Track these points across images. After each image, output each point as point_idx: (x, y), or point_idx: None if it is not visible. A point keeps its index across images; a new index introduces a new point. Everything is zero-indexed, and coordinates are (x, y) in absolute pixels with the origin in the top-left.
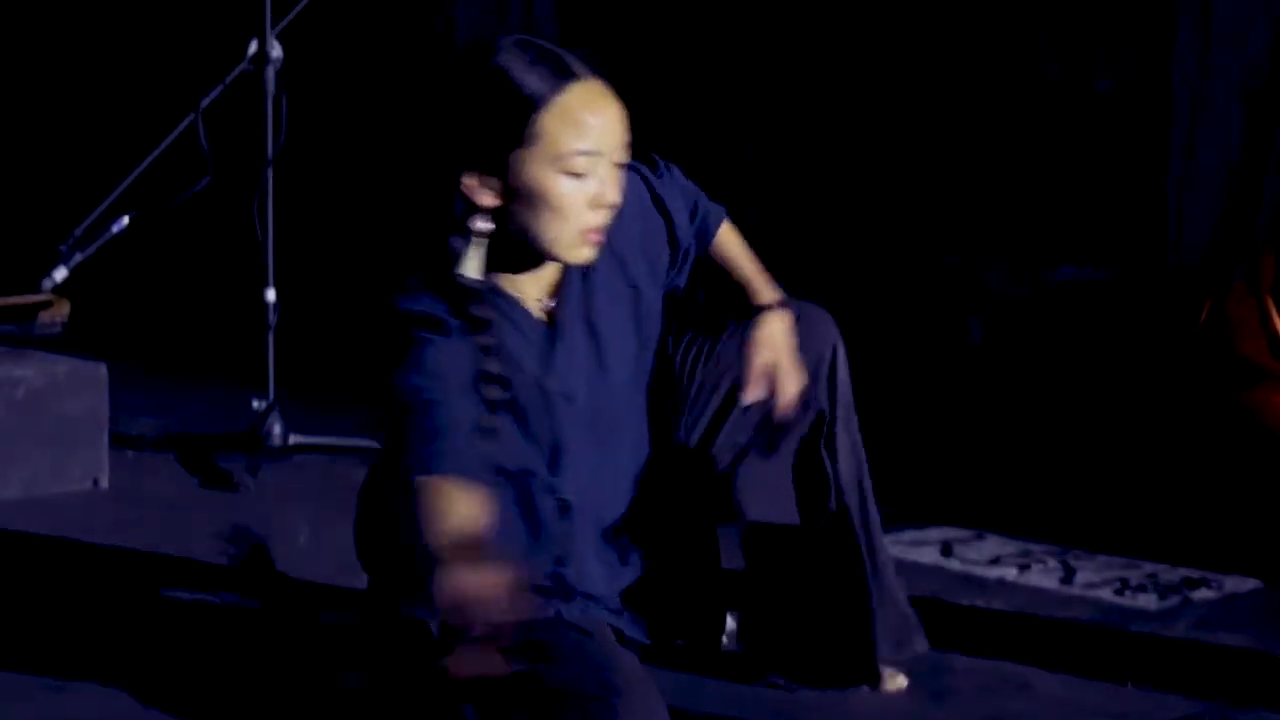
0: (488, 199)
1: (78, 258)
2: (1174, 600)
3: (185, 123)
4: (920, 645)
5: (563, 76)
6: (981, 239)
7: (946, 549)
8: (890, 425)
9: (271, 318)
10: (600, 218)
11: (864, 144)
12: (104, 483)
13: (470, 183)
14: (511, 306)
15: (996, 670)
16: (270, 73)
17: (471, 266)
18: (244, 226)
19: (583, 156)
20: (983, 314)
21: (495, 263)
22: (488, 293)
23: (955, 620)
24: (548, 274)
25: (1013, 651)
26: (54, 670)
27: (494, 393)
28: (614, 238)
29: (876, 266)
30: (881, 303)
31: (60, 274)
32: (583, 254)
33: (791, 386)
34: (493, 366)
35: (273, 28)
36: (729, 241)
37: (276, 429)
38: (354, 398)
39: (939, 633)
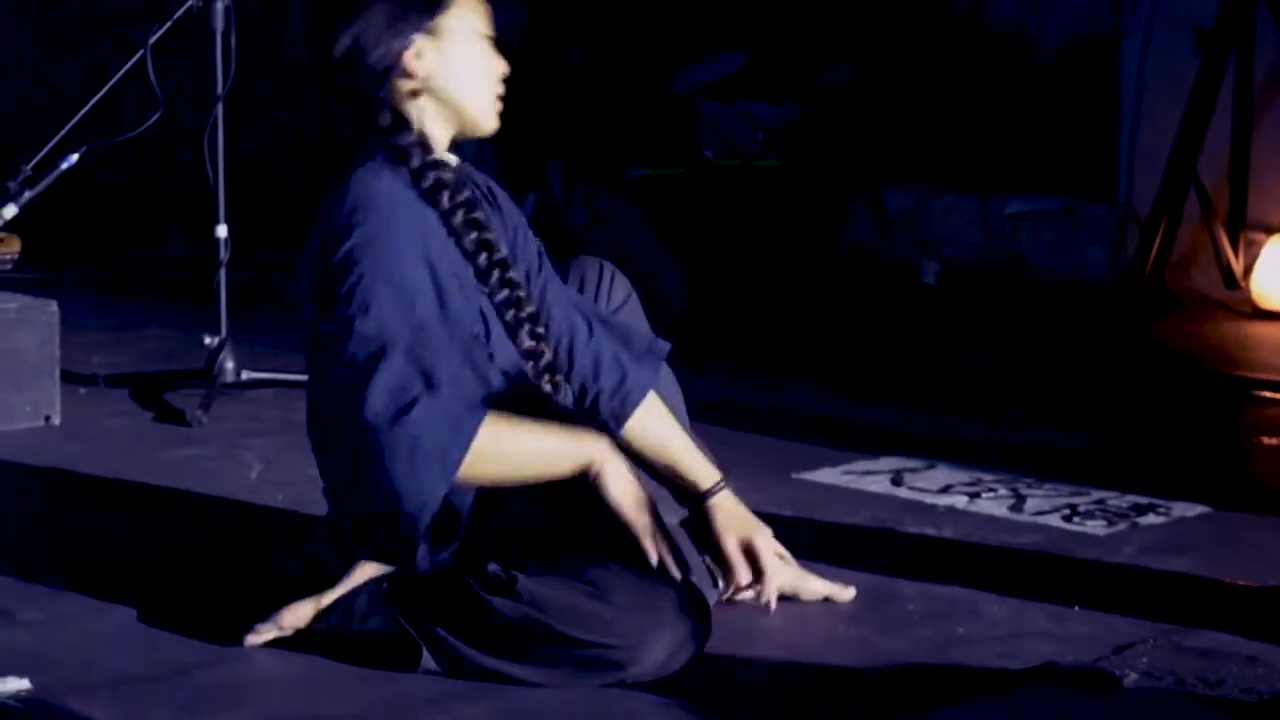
0: (423, 66)
1: (27, 195)
2: (1122, 526)
3: (134, 58)
4: None
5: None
6: (932, 173)
7: (898, 478)
8: (847, 358)
9: (223, 254)
10: (500, 89)
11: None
12: (56, 419)
13: (411, 54)
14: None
15: (945, 595)
16: (219, 8)
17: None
18: (195, 163)
19: (482, 28)
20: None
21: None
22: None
23: (904, 547)
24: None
25: (961, 577)
26: (3, 601)
27: (485, 236)
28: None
29: (829, 204)
30: (835, 240)
31: (9, 211)
32: (494, 121)
33: (772, 560)
34: (476, 215)
35: None
36: (655, 419)
37: (229, 365)
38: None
39: (888, 559)
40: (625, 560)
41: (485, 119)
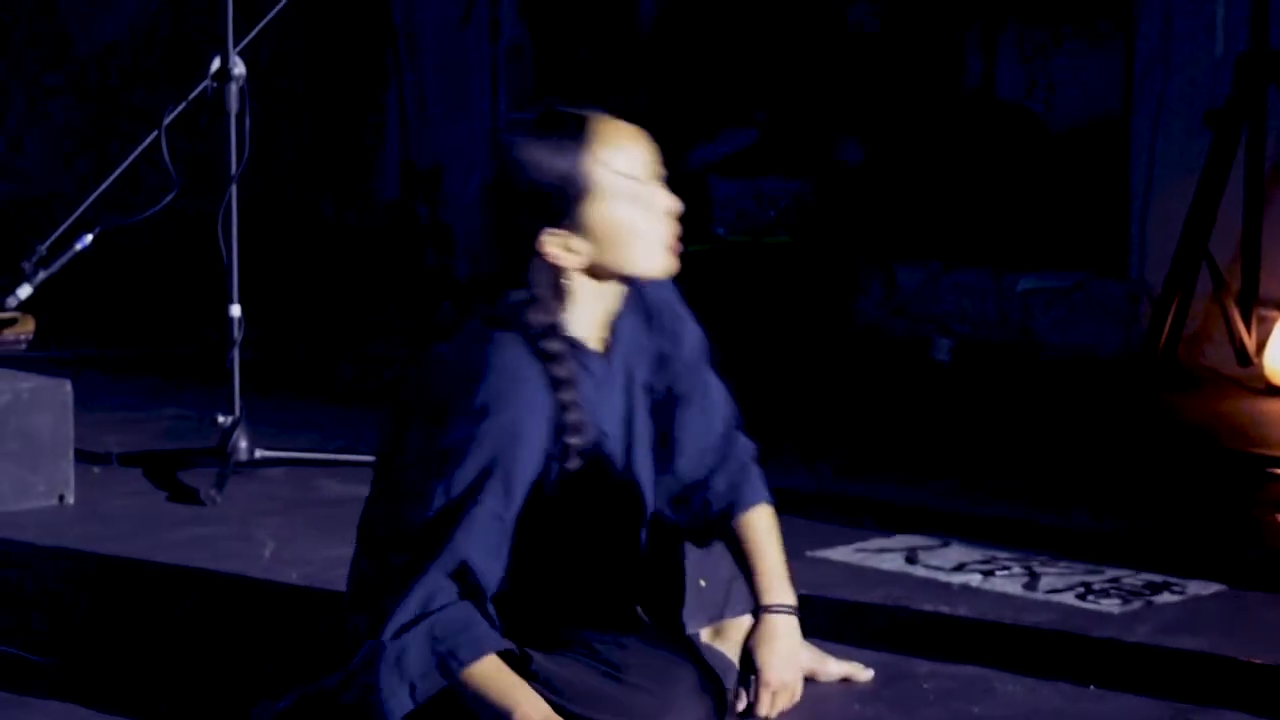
0: (573, 258)
1: (41, 275)
2: (1137, 604)
3: (149, 139)
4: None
5: (580, 126)
6: (945, 249)
7: (911, 556)
8: (859, 435)
9: (236, 333)
10: (671, 226)
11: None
12: (70, 499)
13: (551, 244)
14: (583, 353)
15: (959, 675)
16: (233, 89)
17: (554, 318)
18: (208, 243)
19: (631, 181)
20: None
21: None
22: (567, 347)
23: (919, 626)
24: (605, 313)
25: (976, 656)
26: (19, 687)
27: (574, 439)
28: (640, 333)
29: (841, 280)
30: (846, 317)
31: (24, 291)
32: (667, 264)
33: (786, 702)
34: (573, 417)
35: (235, 45)
36: (762, 527)
37: (242, 444)
38: (319, 411)
39: (902, 638)
40: (645, 638)
41: (656, 269)
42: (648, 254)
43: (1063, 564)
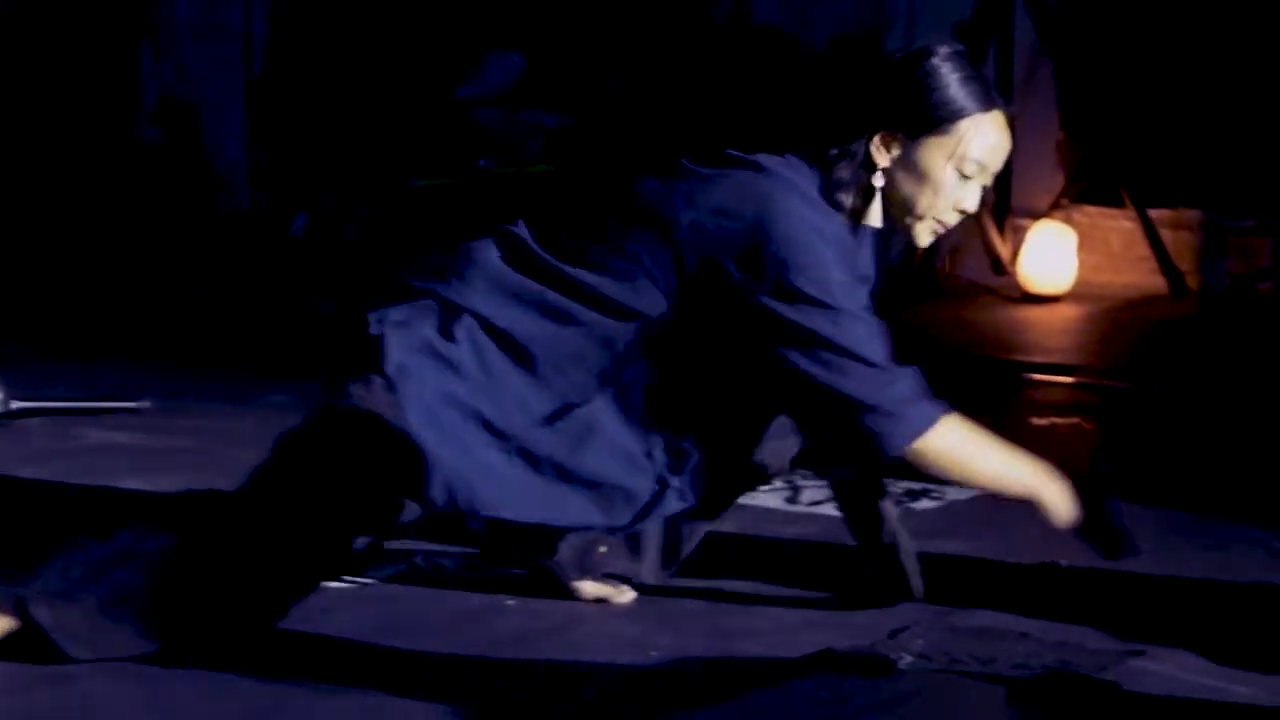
0: (884, 159)
1: None
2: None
3: None
4: None
5: (988, 102)
6: None
7: None
8: None
9: None
10: (954, 219)
11: None
12: None
13: (881, 141)
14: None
15: (724, 589)
16: None
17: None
18: None
19: (975, 164)
20: None
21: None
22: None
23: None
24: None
25: (741, 570)
26: None
27: None
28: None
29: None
30: None
31: None
32: (924, 239)
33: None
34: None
35: None
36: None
37: None
38: (76, 361)
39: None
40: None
41: (913, 233)
42: (921, 214)
43: None
